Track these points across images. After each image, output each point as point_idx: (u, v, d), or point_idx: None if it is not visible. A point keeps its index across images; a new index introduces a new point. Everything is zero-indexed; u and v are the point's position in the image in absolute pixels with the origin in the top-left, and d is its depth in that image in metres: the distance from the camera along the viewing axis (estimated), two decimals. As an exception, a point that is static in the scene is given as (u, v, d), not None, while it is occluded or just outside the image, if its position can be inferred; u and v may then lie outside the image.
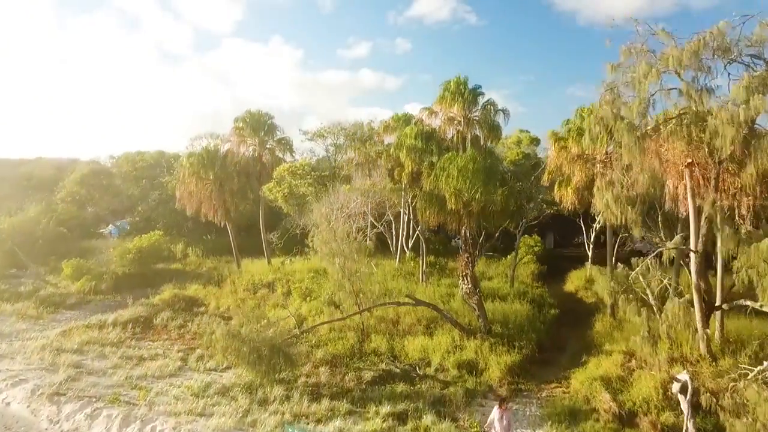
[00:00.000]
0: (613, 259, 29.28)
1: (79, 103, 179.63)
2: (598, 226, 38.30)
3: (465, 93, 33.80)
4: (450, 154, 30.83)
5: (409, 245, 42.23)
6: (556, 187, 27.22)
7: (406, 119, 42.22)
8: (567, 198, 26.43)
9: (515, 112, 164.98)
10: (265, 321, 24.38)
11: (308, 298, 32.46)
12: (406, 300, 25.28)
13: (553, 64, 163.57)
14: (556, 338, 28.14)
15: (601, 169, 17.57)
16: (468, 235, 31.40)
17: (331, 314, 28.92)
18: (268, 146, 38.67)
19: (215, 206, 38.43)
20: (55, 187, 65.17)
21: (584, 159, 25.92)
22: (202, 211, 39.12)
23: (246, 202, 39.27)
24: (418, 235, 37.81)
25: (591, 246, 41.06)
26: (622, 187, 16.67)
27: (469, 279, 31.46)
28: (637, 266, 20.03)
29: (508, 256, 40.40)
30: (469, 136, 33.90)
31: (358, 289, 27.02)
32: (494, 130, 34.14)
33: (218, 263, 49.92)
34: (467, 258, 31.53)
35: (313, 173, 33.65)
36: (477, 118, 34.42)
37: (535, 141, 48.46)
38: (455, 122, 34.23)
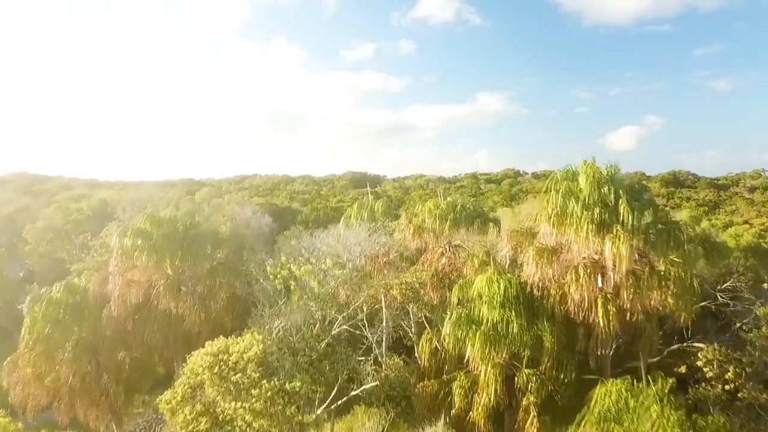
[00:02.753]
0: None
1: (74, 112, 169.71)
2: None
3: (621, 207, 14.32)
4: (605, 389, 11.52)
5: None
6: None
7: (442, 212, 22.81)
8: None
9: (518, 114, 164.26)
10: None
11: None
12: None
13: (557, 66, 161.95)
14: None
15: None
16: None
17: None
18: (198, 284, 19.13)
19: (89, 403, 19.16)
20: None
21: None
22: (62, 410, 19.73)
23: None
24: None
25: None
26: None
27: None
28: None
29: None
30: (626, 302, 14.36)
31: None
32: (688, 293, 14.53)
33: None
34: None
35: (266, 386, 14.32)
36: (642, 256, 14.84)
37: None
38: (595, 268, 14.66)
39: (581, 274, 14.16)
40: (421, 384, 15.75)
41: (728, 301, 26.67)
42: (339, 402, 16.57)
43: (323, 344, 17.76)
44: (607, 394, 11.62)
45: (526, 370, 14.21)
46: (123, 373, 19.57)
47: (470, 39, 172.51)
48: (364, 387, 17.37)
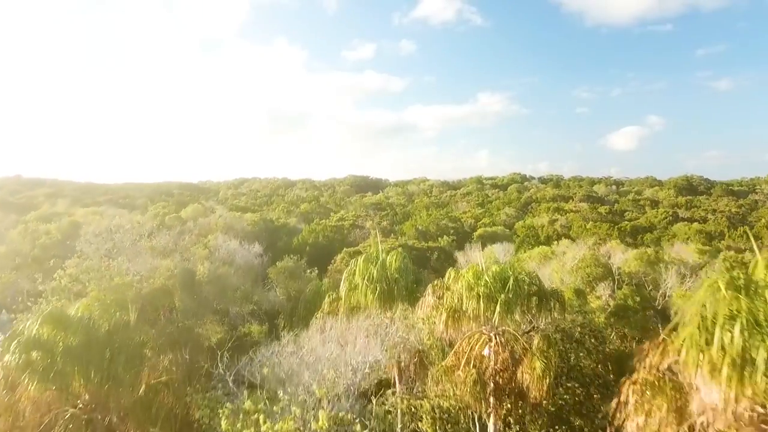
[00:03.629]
0: None
1: (73, 113, 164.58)
2: None
3: None
4: None
5: None
6: None
7: (487, 290, 16.33)
8: None
9: (518, 114, 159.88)
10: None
11: None
12: None
13: (558, 66, 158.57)
14: None
15: None
16: None
17: None
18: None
19: None
20: None
21: None
22: None
23: None
24: None
25: None
26: None
27: None
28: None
29: None
30: None
31: None
32: None
33: None
34: None
35: None
36: None
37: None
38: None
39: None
40: None
41: None
42: None
43: None
44: None
45: None
46: None
47: (471, 39, 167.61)
48: None
